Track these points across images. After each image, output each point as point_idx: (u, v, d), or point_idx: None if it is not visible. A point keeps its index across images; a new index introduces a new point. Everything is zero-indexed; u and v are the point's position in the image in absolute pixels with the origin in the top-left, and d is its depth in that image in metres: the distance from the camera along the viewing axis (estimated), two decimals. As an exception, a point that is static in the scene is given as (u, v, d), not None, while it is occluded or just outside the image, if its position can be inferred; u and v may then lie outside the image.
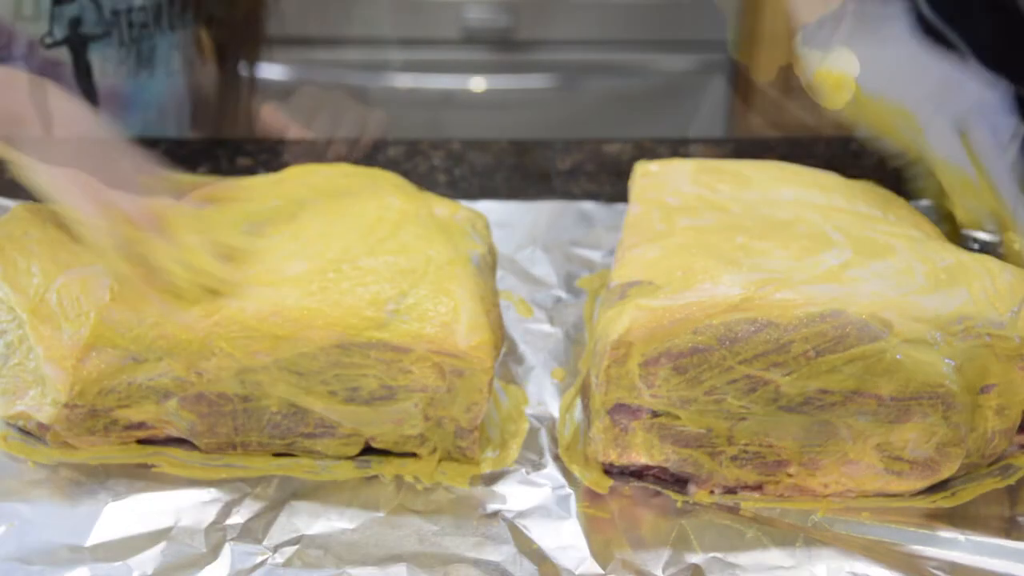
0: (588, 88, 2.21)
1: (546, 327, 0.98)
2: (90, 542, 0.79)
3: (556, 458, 0.87)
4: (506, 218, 1.09)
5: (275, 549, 0.79)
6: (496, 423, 0.89)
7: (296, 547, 0.79)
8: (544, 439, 0.88)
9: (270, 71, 2.22)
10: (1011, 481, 0.86)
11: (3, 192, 1.11)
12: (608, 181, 1.16)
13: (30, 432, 0.86)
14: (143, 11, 1.19)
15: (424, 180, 1.14)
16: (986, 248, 1.06)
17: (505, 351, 0.95)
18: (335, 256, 0.87)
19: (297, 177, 0.98)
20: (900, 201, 0.98)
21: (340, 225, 0.91)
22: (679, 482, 0.85)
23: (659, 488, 0.85)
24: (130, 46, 1.20)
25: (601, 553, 0.80)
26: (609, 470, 0.86)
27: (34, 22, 1.14)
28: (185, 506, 0.82)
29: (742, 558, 0.80)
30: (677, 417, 0.83)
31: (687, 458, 0.84)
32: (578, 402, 0.91)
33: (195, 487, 0.83)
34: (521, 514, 0.82)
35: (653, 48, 2.24)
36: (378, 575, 0.78)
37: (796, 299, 0.81)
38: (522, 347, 0.96)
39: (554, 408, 0.91)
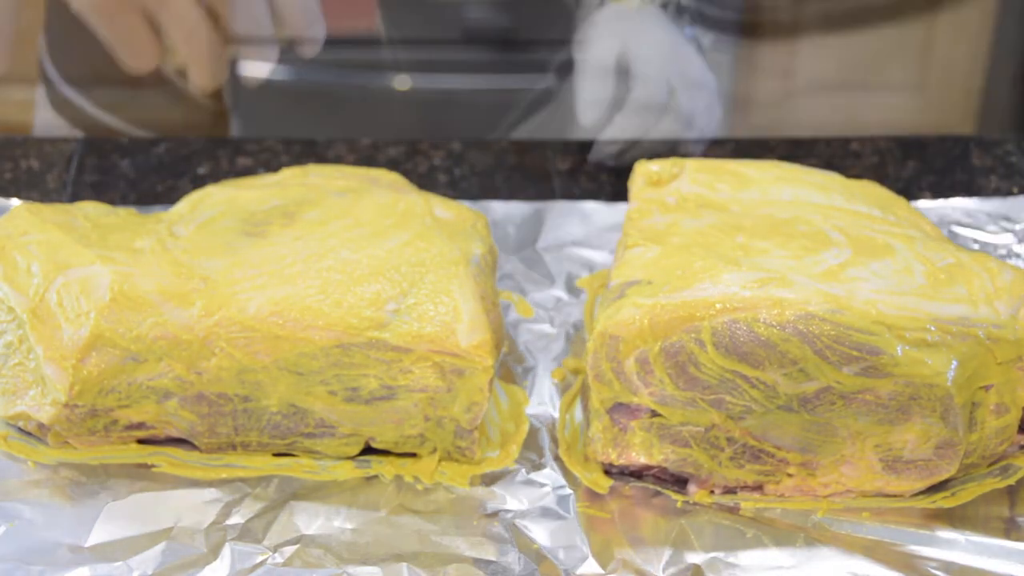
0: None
1: (546, 327, 0.98)
2: (90, 542, 0.79)
3: (556, 458, 0.87)
4: (506, 218, 1.09)
5: (275, 549, 0.79)
6: (496, 423, 0.89)
7: (296, 547, 0.79)
8: (544, 439, 0.88)
9: (270, 71, 2.21)
10: (1011, 481, 0.86)
11: (3, 192, 1.11)
12: (608, 181, 1.16)
13: (30, 432, 0.86)
14: None
15: (424, 180, 1.14)
16: (986, 248, 1.06)
17: (505, 351, 0.95)
18: (335, 256, 0.87)
19: (297, 177, 0.98)
20: (900, 201, 0.98)
21: (340, 225, 0.91)
22: (679, 482, 0.85)
23: (659, 488, 0.85)
24: None
25: (601, 553, 0.80)
26: (609, 470, 0.86)
27: None
28: (185, 506, 0.82)
29: (742, 558, 0.80)
30: (675, 416, 0.83)
31: (686, 458, 0.84)
32: (578, 402, 0.91)
33: (195, 487, 0.83)
34: (521, 514, 0.82)
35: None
36: (378, 575, 0.78)
37: (795, 298, 0.81)
38: (522, 347, 0.96)
39: (554, 408, 0.91)
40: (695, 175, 0.97)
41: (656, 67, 1.12)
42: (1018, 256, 1.05)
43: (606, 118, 1.13)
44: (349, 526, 0.81)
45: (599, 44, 1.14)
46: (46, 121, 1.28)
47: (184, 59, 0.84)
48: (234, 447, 0.86)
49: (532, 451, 0.87)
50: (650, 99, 1.11)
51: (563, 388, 0.92)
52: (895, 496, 0.84)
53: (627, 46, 1.14)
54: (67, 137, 1.22)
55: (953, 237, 1.07)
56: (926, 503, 0.84)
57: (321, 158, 1.17)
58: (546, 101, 1.32)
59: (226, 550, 0.79)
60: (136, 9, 0.82)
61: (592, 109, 1.13)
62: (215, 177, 1.13)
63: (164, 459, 0.86)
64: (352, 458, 0.87)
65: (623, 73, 1.14)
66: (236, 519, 0.81)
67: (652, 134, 1.13)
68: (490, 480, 0.85)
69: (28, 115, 1.35)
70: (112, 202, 1.05)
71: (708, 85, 1.18)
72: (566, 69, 1.33)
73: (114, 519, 0.81)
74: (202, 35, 0.83)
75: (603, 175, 1.17)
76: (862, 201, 0.95)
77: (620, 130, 1.13)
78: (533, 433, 0.89)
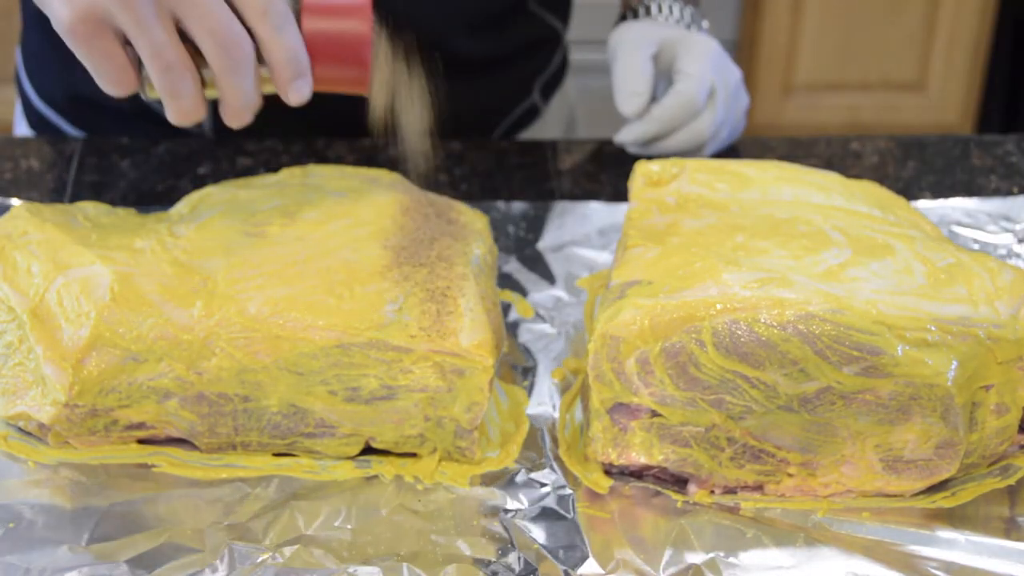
0: (588, 88, 2.21)
1: (546, 327, 0.98)
2: (90, 542, 0.79)
3: (556, 458, 0.87)
4: (506, 218, 1.09)
5: (275, 549, 0.79)
6: (496, 423, 0.89)
7: (296, 547, 0.79)
8: (544, 439, 0.88)
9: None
10: (1011, 481, 0.86)
11: (3, 192, 1.11)
12: (608, 181, 1.16)
13: (31, 432, 0.86)
14: None
15: (424, 180, 1.14)
16: (986, 248, 1.06)
17: (505, 351, 0.95)
18: (335, 256, 0.87)
19: (297, 177, 0.98)
20: (900, 201, 0.98)
21: (340, 225, 0.91)
22: (679, 482, 0.85)
23: (659, 488, 0.85)
24: None
25: (601, 553, 0.80)
26: (609, 470, 0.86)
27: None
28: (185, 506, 0.82)
29: (742, 558, 0.80)
30: (676, 416, 0.83)
31: (686, 458, 0.84)
32: (578, 402, 0.91)
33: (195, 487, 0.83)
34: (521, 514, 0.82)
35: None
36: (378, 575, 0.78)
37: (795, 298, 0.81)
38: (522, 347, 0.96)
39: (554, 408, 0.91)
40: (695, 175, 0.97)
41: (701, 66, 1.12)
42: (1018, 256, 1.05)
43: (645, 110, 1.13)
44: (349, 526, 0.81)
45: (642, 39, 1.15)
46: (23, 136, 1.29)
47: (160, 91, 0.83)
48: (234, 447, 0.86)
49: (532, 451, 0.87)
50: (692, 94, 1.11)
51: (563, 388, 0.92)
52: (895, 496, 0.84)
53: (672, 44, 1.15)
54: (67, 137, 1.22)
55: (953, 237, 1.07)
56: (926, 503, 0.84)
57: (321, 158, 1.17)
58: (532, 118, 1.33)
59: (226, 550, 0.79)
60: (114, 36, 0.81)
61: (632, 100, 1.13)
62: (215, 177, 1.13)
63: (164, 459, 0.86)
64: (352, 458, 0.87)
65: (666, 68, 1.15)
66: (236, 519, 0.81)
67: (683, 132, 1.13)
68: (490, 480, 0.85)
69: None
70: (112, 202, 1.05)
71: (742, 99, 1.18)
72: (551, 88, 1.34)
73: (114, 519, 0.81)
74: (179, 72, 0.82)
75: (603, 175, 1.17)
76: (862, 201, 0.95)
77: (655, 120, 1.12)
78: (533, 433, 0.89)
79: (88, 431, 0.85)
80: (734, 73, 1.17)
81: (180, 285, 0.85)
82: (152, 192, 1.12)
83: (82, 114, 1.24)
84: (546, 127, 1.34)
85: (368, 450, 0.87)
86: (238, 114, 0.85)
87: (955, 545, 0.81)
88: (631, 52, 1.14)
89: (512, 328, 0.97)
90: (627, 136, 1.14)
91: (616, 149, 1.18)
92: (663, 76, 1.16)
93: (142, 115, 1.21)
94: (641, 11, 1.20)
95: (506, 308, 0.99)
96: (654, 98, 1.15)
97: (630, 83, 1.13)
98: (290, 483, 0.84)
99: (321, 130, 1.22)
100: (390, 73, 0.90)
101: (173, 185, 1.13)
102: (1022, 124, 2.79)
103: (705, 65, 1.12)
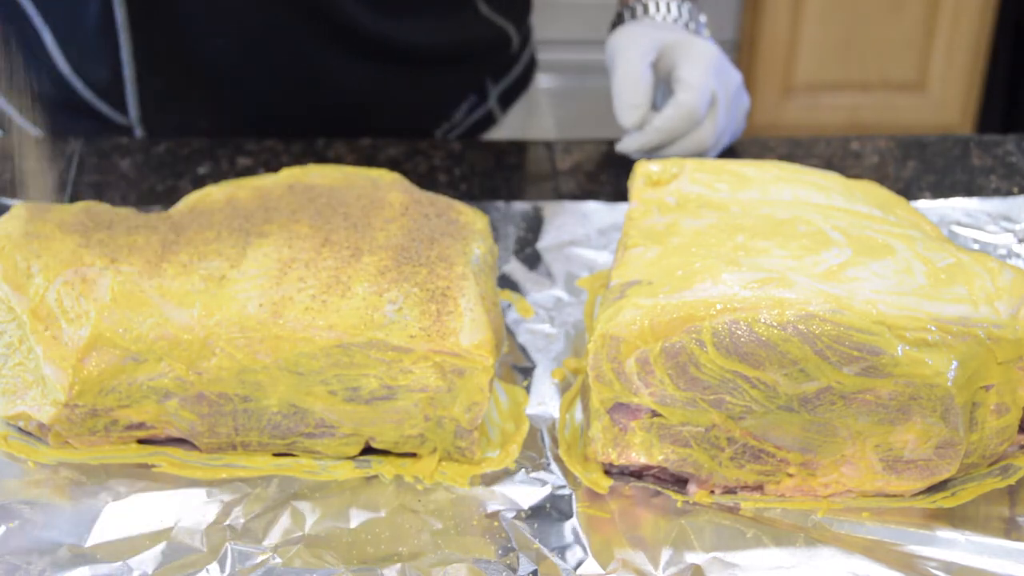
0: (588, 88, 2.21)
1: (546, 327, 0.98)
2: (90, 542, 0.79)
3: (556, 458, 0.87)
4: (506, 218, 1.09)
5: (275, 549, 0.79)
6: (496, 423, 0.89)
7: (296, 547, 0.79)
8: (544, 439, 0.88)
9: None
10: (1011, 481, 0.86)
11: (3, 192, 1.11)
12: (608, 181, 1.16)
13: (31, 432, 0.86)
14: None
15: (424, 180, 1.14)
16: (986, 248, 1.06)
17: (505, 351, 0.95)
18: (336, 256, 0.87)
19: (297, 177, 0.98)
20: (900, 201, 0.98)
21: (340, 225, 0.91)
22: (679, 482, 0.85)
23: (659, 488, 0.85)
24: None
25: (601, 553, 0.80)
26: (609, 470, 0.86)
27: None
28: (185, 506, 0.82)
29: (742, 558, 0.80)
30: (676, 416, 0.83)
31: (686, 458, 0.84)
32: (578, 402, 0.91)
33: (195, 487, 0.83)
34: (521, 514, 0.82)
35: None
36: (378, 575, 0.78)
37: (795, 298, 0.81)
38: (522, 347, 0.96)
39: (554, 408, 0.91)
40: (695, 175, 0.97)
41: (701, 75, 1.11)
42: (1018, 256, 1.05)
43: (646, 120, 1.13)
44: (349, 526, 0.81)
45: (640, 45, 1.14)
46: None
47: None
48: (234, 447, 0.86)
49: (532, 451, 0.87)
50: (693, 105, 1.11)
51: (563, 388, 0.92)
52: (895, 496, 0.84)
53: (671, 49, 1.14)
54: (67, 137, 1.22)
55: (953, 237, 1.07)
56: (926, 503, 0.84)
57: (321, 158, 1.17)
58: (487, 125, 1.33)
59: (226, 550, 0.79)
60: None
61: (631, 112, 1.12)
62: (215, 177, 1.13)
63: (164, 459, 0.86)
64: (352, 458, 0.87)
65: (665, 74, 1.14)
66: (236, 519, 0.81)
67: (684, 140, 1.12)
68: (490, 480, 0.85)
69: None
70: (112, 202, 1.05)
71: (742, 102, 1.17)
72: (511, 97, 1.34)
73: (114, 519, 0.81)
74: None
75: (603, 175, 1.17)
76: (862, 201, 0.95)
77: (656, 130, 1.12)
78: (533, 433, 0.89)
79: (88, 431, 0.85)
80: (734, 78, 1.16)
81: (180, 285, 0.85)
82: (152, 192, 1.12)
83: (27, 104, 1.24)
84: (504, 135, 1.34)
85: (368, 450, 0.87)
86: None
87: (955, 545, 0.81)
88: (629, 60, 1.13)
89: (512, 328, 0.97)
90: (628, 146, 1.14)
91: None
92: (663, 82, 1.15)
93: (77, 109, 1.21)
94: (639, 10, 1.19)
95: (506, 308, 0.99)
96: (654, 105, 1.15)
97: (629, 95, 1.12)
98: (290, 483, 0.84)
99: (321, 130, 1.22)
100: None
101: (173, 185, 1.13)
102: (1022, 124, 2.79)
103: (706, 73, 1.11)
